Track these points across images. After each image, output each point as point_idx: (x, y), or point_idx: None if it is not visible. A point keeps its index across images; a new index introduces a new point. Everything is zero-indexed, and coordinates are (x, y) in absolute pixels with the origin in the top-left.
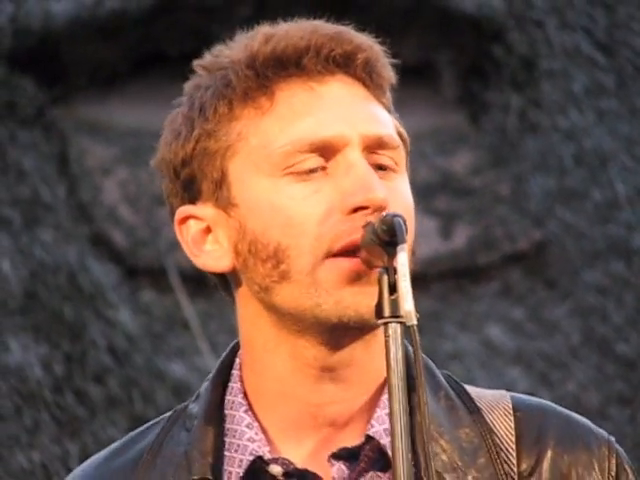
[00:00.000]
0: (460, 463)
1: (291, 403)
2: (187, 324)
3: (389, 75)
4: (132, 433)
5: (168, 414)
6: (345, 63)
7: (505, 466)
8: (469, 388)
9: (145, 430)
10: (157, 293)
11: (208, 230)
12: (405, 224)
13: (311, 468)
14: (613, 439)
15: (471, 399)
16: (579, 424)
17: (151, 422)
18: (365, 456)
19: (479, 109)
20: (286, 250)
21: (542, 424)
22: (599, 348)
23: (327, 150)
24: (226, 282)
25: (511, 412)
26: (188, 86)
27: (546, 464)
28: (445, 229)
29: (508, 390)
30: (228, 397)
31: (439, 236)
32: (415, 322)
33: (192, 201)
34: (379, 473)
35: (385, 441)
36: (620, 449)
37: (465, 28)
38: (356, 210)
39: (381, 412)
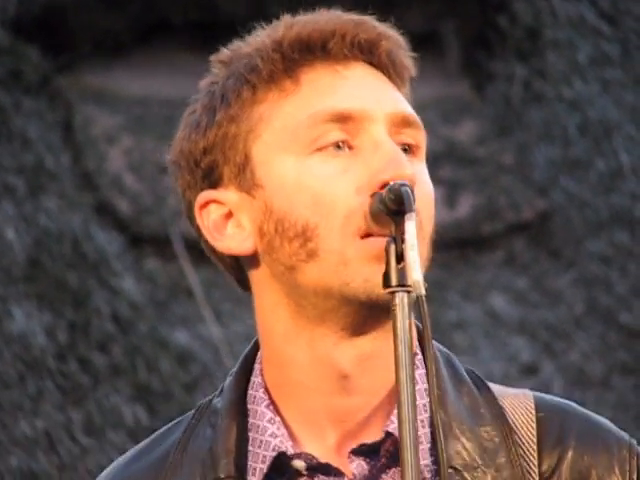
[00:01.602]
0: (480, 462)
1: (312, 396)
2: (191, 292)
3: (410, 66)
4: (157, 432)
5: (192, 411)
6: (369, 49)
7: (525, 466)
8: (491, 385)
9: (171, 428)
10: (161, 261)
11: (230, 214)
12: (413, 193)
13: (333, 463)
14: (634, 442)
15: (494, 397)
16: (600, 425)
17: (176, 420)
18: (386, 451)
19: (484, 79)
20: (315, 229)
21: (563, 425)
22: (603, 318)
23: (351, 124)
24: (241, 271)
25: (533, 412)
26: (203, 83)
27: (566, 465)
28: (449, 198)
29: (513, 360)
30: (250, 392)
31: (443, 205)
32: (423, 292)
33: (213, 188)
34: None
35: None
36: None
37: None
38: (385, 186)
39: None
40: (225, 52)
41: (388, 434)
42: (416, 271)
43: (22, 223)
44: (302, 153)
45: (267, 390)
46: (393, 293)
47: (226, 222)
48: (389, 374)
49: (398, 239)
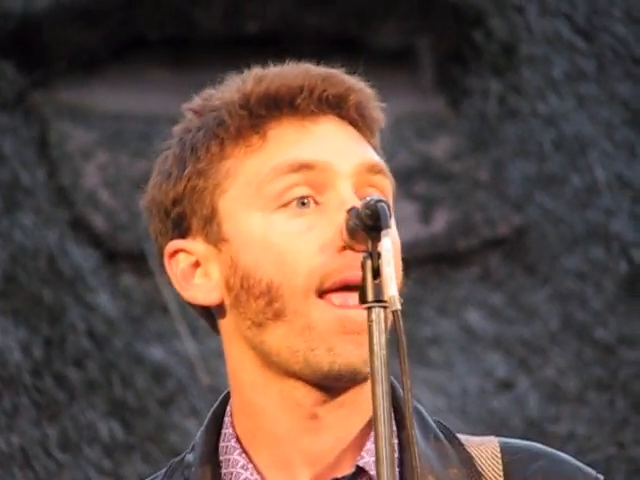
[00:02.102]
0: None
1: (283, 443)
2: (166, 308)
3: (379, 117)
4: None
5: (164, 469)
6: (337, 104)
7: None
8: (458, 434)
9: None
10: (137, 277)
11: (197, 264)
12: (389, 209)
13: None
14: (602, 477)
15: (460, 443)
16: (567, 463)
17: (149, 478)
18: None
19: (459, 94)
20: (279, 289)
21: (530, 466)
22: (578, 333)
23: (316, 178)
24: (212, 317)
25: (499, 455)
26: (177, 129)
27: None
28: (424, 214)
29: (488, 375)
30: (222, 444)
31: (418, 221)
32: (399, 307)
33: (182, 237)
34: None
35: (375, 472)
36: None
37: (445, 13)
38: (349, 247)
39: (371, 445)
40: (197, 101)
41: (359, 468)
42: (392, 287)
43: None
44: (267, 209)
45: (238, 439)
46: (369, 309)
47: (194, 271)
48: (361, 416)
49: (374, 254)
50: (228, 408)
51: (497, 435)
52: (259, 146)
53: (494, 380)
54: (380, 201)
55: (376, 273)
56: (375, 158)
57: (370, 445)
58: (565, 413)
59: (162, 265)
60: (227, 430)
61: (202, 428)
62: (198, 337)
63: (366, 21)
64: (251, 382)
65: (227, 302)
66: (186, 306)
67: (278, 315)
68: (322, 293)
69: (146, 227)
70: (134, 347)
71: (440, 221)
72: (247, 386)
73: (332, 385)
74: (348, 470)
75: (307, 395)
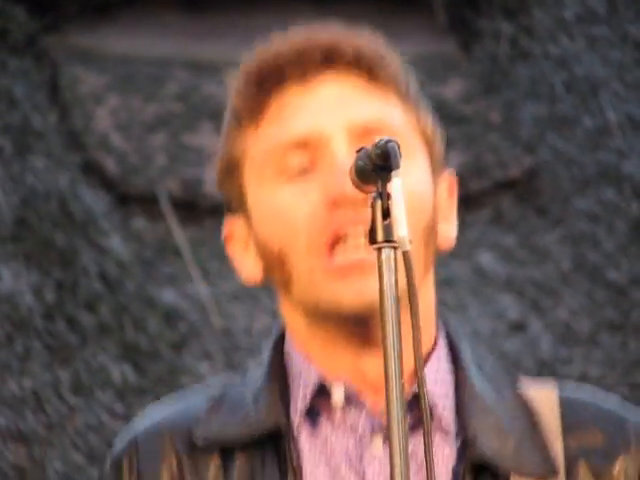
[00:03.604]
0: (504, 426)
1: (340, 370)
2: (178, 251)
3: (391, 62)
4: (189, 389)
5: (223, 378)
6: (335, 59)
7: (549, 446)
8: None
9: (201, 389)
10: (148, 220)
11: (247, 245)
12: (400, 149)
13: (369, 403)
14: None
15: (517, 386)
16: (622, 417)
17: (203, 385)
18: (411, 412)
19: (470, 37)
20: (287, 254)
21: (584, 419)
22: (590, 275)
23: (310, 146)
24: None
25: (557, 403)
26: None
27: (587, 457)
28: None
29: (500, 317)
30: (286, 357)
31: None
32: (409, 248)
33: (230, 211)
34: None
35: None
36: None
37: None
38: (336, 205)
39: (427, 371)
40: (237, 70)
41: (416, 395)
42: (402, 227)
43: (9, 183)
44: (272, 182)
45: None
46: (379, 249)
47: (245, 253)
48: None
49: (384, 195)
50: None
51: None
52: (263, 121)
53: (506, 322)
54: (390, 141)
55: (386, 214)
56: (373, 115)
57: (426, 370)
58: (577, 354)
59: (177, 208)
60: (288, 347)
61: (267, 349)
62: (210, 280)
63: None
64: (302, 331)
65: (265, 273)
66: (198, 249)
67: (289, 278)
68: (320, 251)
69: (158, 170)
70: (146, 290)
71: (452, 163)
72: (299, 334)
73: (365, 321)
74: (406, 396)
75: (352, 333)
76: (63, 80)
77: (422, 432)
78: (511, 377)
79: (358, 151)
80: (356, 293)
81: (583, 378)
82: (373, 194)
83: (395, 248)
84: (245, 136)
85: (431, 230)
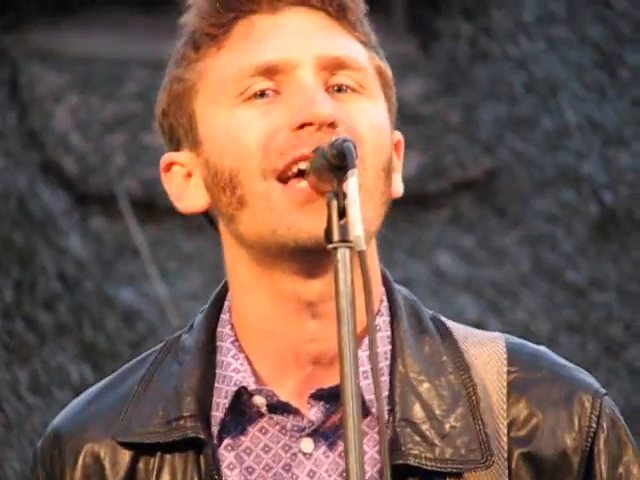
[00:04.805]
0: (438, 412)
1: (274, 340)
2: (137, 251)
3: (357, 8)
4: (122, 369)
5: (160, 345)
6: None
7: (489, 417)
8: (458, 330)
9: (135, 364)
10: (107, 219)
11: (189, 175)
12: (355, 149)
13: (293, 404)
14: (603, 391)
15: (457, 345)
16: (567, 377)
17: (143, 355)
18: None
19: (430, 37)
20: (238, 174)
21: (531, 382)
22: (549, 276)
23: (277, 73)
24: (215, 224)
25: (505, 363)
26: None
27: (534, 422)
28: None
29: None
30: (219, 329)
31: None
32: (365, 247)
33: (176, 150)
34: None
35: (363, 384)
36: (607, 401)
37: None
38: (302, 126)
39: (362, 354)
40: (184, 16)
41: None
42: (358, 227)
43: None
44: (231, 105)
45: (234, 327)
46: (335, 249)
47: (188, 182)
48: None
49: (340, 195)
50: (229, 294)
51: None
52: (226, 44)
53: (465, 322)
54: (346, 140)
55: (342, 213)
56: (341, 51)
57: (361, 354)
58: None
59: (135, 208)
60: (225, 315)
61: (202, 312)
62: (168, 280)
63: None
64: (244, 280)
65: (211, 205)
66: (156, 248)
67: (241, 202)
68: (281, 177)
69: (117, 170)
70: (104, 290)
71: (411, 164)
72: (241, 284)
73: (312, 268)
74: (337, 379)
75: (293, 286)
76: (22, 79)
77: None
78: (453, 331)
79: (314, 151)
80: (315, 224)
81: None
82: (329, 194)
83: (351, 248)
84: (203, 59)
85: (389, 170)
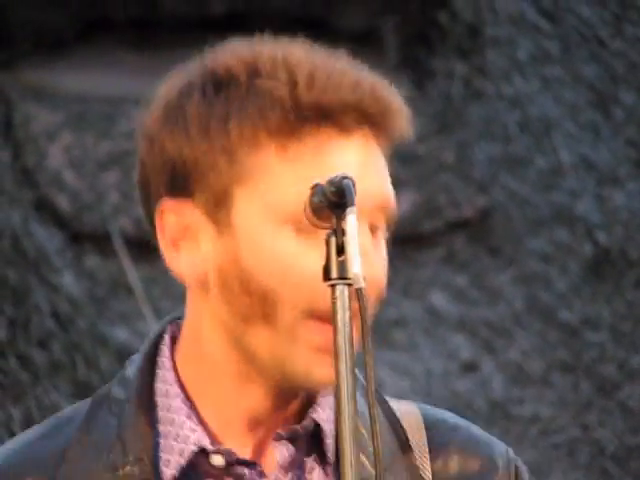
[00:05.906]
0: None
1: (232, 408)
2: (131, 289)
3: (405, 133)
4: (50, 420)
5: (88, 399)
6: (378, 122)
7: (420, 467)
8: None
9: (65, 418)
10: (101, 258)
11: (186, 229)
12: (354, 186)
13: (254, 457)
14: (511, 450)
15: (388, 404)
16: (481, 436)
17: (67, 409)
18: (306, 435)
19: (424, 76)
20: (278, 299)
21: (449, 438)
22: (542, 315)
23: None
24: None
25: (422, 425)
26: (210, 63)
27: (453, 469)
28: None
29: (451, 356)
30: (159, 385)
31: None
32: (363, 285)
33: (174, 193)
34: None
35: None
36: (519, 463)
37: None
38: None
39: (322, 399)
40: (247, 57)
41: (311, 419)
42: (356, 264)
43: None
44: (282, 222)
45: (182, 385)
46: (333, 286)
47: (182, 237)
48: None
49: (339, 231)
50: (164, 348)
51: (462, 416)
52: (292, 152)
53: (458, 362)
54: (345, 177)
55: (340, 250)
56: (390, 196)
57: (321, 399)
58: (529, 395)
59: (129, 246)
60: (167, 372)
61: (135, 369)
62: (162, 318)
63: (331, 2)
64: (215, 351)
65: (213, 282)
66: (150, 287)
67: (268, 319)
68: (314, 316)
69: (111, 208)
70: (98, 328)
71: (404, 203)
72: (209, 351)
73: (295, 391)
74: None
75: (267, 384)
76: (16, 117)
77: (314, 456)
78: (380, 396)
79: (313, 187)
80: (327, 375)
81: (535, 419)
82: (328, 231)
83: (349, 285)
84: (261, 153)
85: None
